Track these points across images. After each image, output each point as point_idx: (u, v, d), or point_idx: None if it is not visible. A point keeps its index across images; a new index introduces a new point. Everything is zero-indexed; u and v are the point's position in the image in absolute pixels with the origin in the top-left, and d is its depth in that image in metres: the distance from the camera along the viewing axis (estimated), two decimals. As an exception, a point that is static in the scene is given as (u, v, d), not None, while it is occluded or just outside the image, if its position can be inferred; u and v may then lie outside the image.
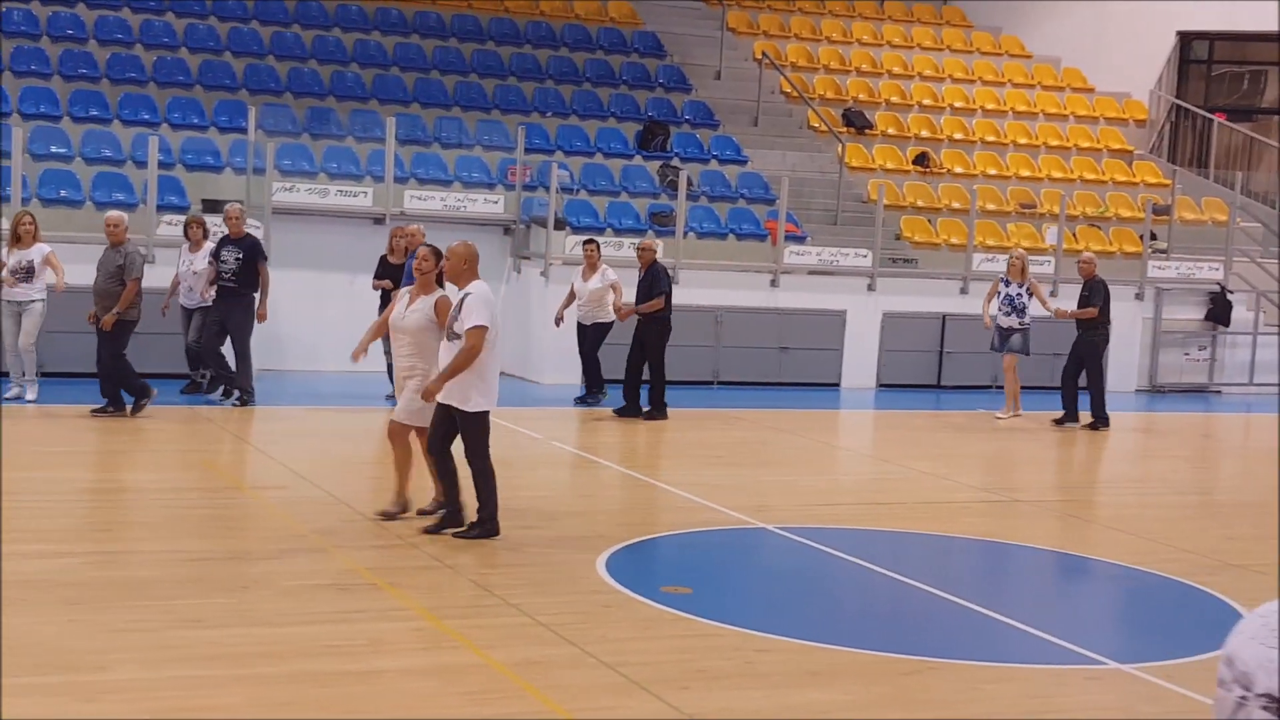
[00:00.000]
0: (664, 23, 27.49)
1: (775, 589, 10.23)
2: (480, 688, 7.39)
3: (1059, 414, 18.78)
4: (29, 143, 19.52)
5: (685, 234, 21.76)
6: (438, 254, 10.81)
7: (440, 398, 10.28)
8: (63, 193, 19.40)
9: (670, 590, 9.56)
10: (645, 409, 17.49)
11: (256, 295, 16.65)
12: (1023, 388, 18.99)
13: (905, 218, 24.36)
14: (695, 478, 13.87)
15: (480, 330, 10.10)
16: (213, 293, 16.61)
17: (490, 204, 21.38)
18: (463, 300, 10.18)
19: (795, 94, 26.50)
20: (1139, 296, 23.63)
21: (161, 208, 19.13)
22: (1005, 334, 18.95)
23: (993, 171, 26.58)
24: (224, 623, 8.24)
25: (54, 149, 20.20)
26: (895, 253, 23.30)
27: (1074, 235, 24.63)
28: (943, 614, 9.49)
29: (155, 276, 17.21)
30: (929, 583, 10.19)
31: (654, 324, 17.71)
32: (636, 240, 21.31)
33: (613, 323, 18.22)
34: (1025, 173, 26.75)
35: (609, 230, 21.84)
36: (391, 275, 17.13)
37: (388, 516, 10.97)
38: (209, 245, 16.93)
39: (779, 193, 22.41)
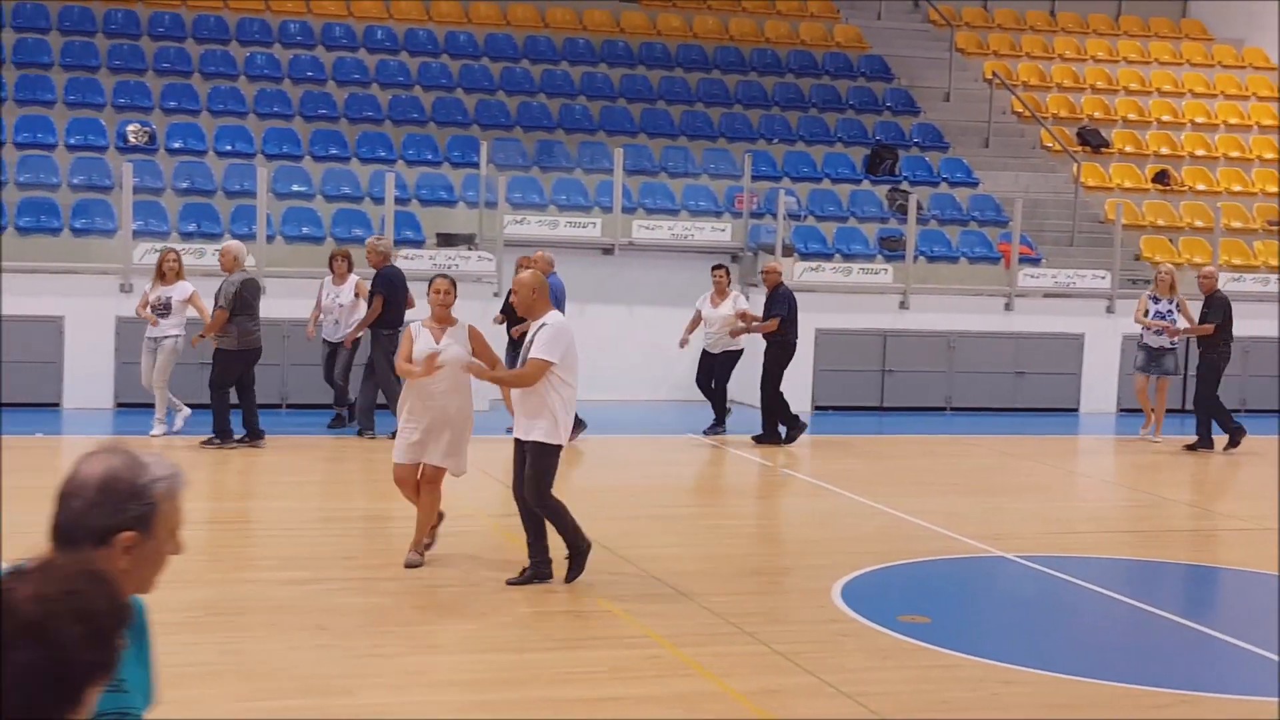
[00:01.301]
0: (891, 46, 27.25)
1: (1017, 619, 9.98)
2: (719, 716, 7.34)
3: (1192, 439, 17.92)
4: (273, 182, 20.15)
5: (915, 258, 21.49)
6: (454, 285, 10.40)
7: (516, 432, 9.79)
8: (304, 229, 19.97)
9: (908, 619, 9.39)
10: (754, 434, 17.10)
11: (391, 330, 16.12)
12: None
13: (1145, 237, 23.71)
14: (930, 505, 13.63)
15: (543, 365, 9.47)
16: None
17: (718, 232, 21.40)
18: (539, 330, 9.62)
19: (1027, 113, 26.04)
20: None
21: (399, 242, 19.56)
22: (1155, 354, 18.23)
23: (1237, 188, 25.74)
24: (463, 649, 8.34)
25: (295, 187, 20.82)
26: (1134, 274, 22.68)
27: (1324, 252, 23.69)
28: (1195, 646, 9.16)
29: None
30: (1178, 613, 9.85)
31: (772, 347, 17.18)
32: (866, 265, 21.15)
33: (742, 350, 17.63)
34: (1272, 189, 25.81)
35: (837, 256, 21.70)
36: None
37: (415, 565, 10.24)
38: (354, 278, 16.85)
39: (1012, 214, 22.02)
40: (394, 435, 15.65)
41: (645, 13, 26.26)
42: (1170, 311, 18.20)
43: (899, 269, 21.10)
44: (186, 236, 19.24)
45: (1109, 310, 21.62)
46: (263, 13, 24.08)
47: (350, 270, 17.00)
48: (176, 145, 21.07)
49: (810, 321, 20.25)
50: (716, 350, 17.52)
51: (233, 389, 15.43)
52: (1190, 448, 17.69)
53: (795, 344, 17.32)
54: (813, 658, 8.35)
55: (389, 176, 19.68)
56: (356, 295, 16.70)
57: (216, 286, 15.40)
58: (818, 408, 20.24)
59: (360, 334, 16.58)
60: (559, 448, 9.62)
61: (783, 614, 9.42)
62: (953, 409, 20.85)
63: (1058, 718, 7.51)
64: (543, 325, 9.59)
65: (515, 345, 16.45)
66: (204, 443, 15.18)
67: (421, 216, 20.66)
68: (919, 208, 21.96)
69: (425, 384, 10.01)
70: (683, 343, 17.55)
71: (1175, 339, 18.24)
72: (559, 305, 16.63)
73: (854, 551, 11.56)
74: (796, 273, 20.70)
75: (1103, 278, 21.81)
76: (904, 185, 23.51)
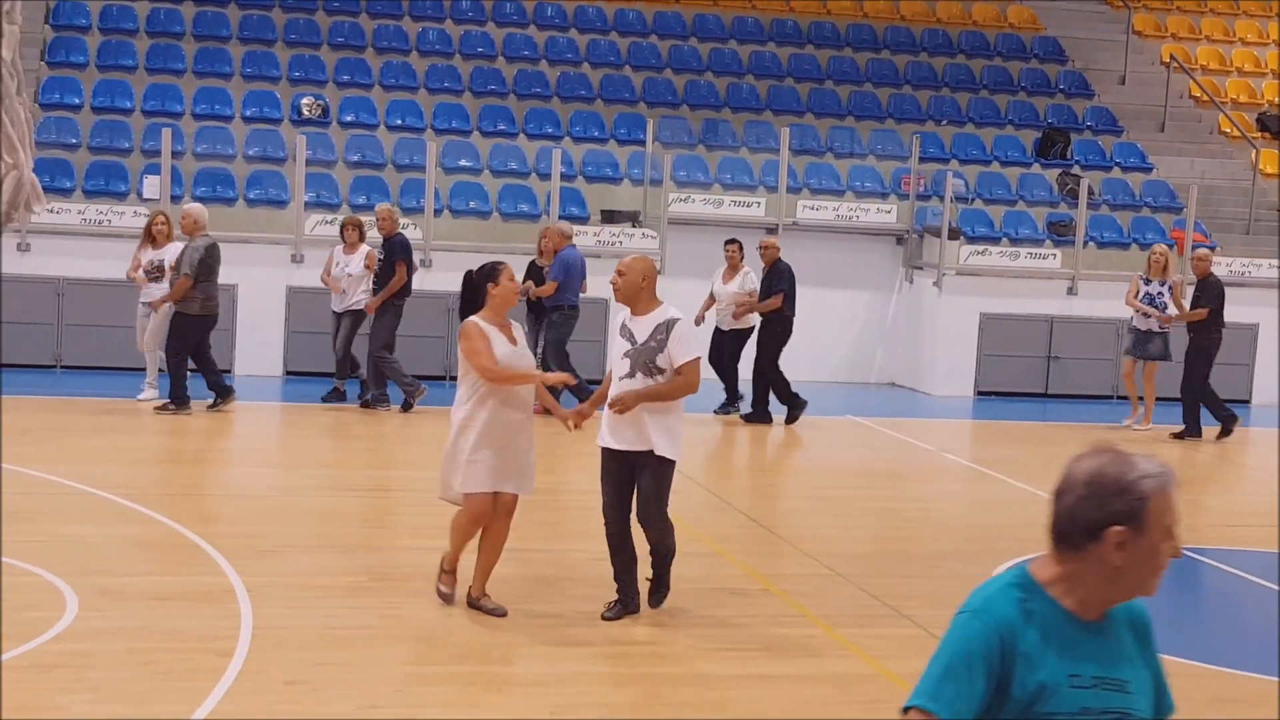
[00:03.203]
0: (1065, 27, 26.77)
1: (1180, 611, 9.80)
2: (874, 698, 7.33)
3: (1179, 427, 17.21)
4: (441, 157, 20.42)
5: (1085, 243, 21.13)
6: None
7: (618, 444, 8.38)
8: (471, 204, 20.21)
9: (1069, 608, 9.25)
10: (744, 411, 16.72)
11: (402, 300, 16.06)
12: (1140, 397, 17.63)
13: (1324, 226, 23.06)
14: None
15: (696, 365, 8.29)
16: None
17: (883, 214, 21.24)
18: (670, 327, 8.28)
19: (1205, 98, 25.44)
20: None
21: (563, 218, 19.70)
22: (1142, 337, 17.45)
23: None
24: (621, 622, 8.40)
25: (463, 162, 21.07)
26: (1312, 263, 22.07)
27: None
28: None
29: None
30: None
31: (770, 324, 16.72)
32: (1034, 250, 20.85)
33: (753, 329, 16.99)
34: None
35: (1004, 240, 21.43)
36: (536, 278, 16.54)
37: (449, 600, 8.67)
38: (365, 248, 16.39)
39: (1186, 201, 21.55)
40: (404, 407, 15.77)
41: (815, -8, 26.11)
42: (1161, 294, 17.49)
43: (1068, 254, 20.76)
44: (356, 208, 19.56)
45: (1285, 300, 21.09)
46: (435, -11, 24.39)
47: (362, 240, 16.50)
48: (349, 119, 21.44)
49: (975, 306, 20.09)
50: (727, 327, 16.98)
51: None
52: (1177, 436, 17.09)
53: (793, 321, 16.77)
54: (971, 643, 8.26)
55: (555, 152, 19.83)
56: (366, 266, 16.22)
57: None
58: (980, 393, 20.03)
59: (380, 302, 15.97)
60: (675, 462, 8.40)
61: (941, 598, 9.34)
62: (1119, 397, 20.45)
63: (1222, 712, 7.37)
64: (673, 320, 8.33)
65: (535, 311, 16.45)
66: (158, 409, 15.04)
67: (586, 193, 20.80)
68: (1090, 192, 21.58)
69: (512, 397, 8.35)
70: (698, 320, 16.45)
71: (1167, 325, 17.41)
72: (578, 281, 16.63)
73: (1015, 539, 11.41)
74: (963, 256, 20.50)
75: (1278, 267, 21.26)
76: (1075, 169, 23.12)
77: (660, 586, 8.61)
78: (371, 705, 6.82)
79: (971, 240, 21.03)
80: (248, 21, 22.79)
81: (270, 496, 12.05)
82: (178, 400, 15.04)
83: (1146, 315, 17.38)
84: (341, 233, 16.72)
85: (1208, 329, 17.23)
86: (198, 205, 15.84)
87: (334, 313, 16.51)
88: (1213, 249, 21.64)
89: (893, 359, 21.32)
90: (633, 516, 8.39)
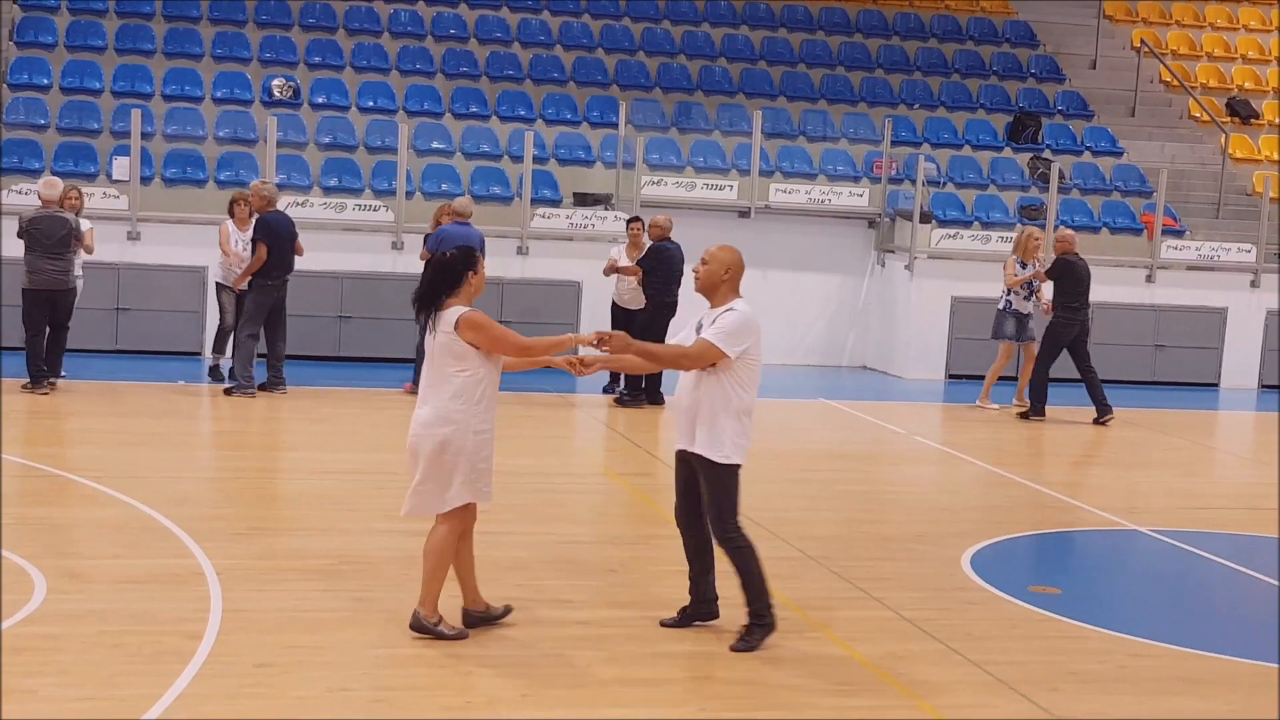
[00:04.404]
0: (1037, 12, 26.84)
1: (1148, 592, 9.87)
2: (844, 679, 7.35)
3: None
4: (413, 139, 20.37)
5: (1056, 227, 21.18)
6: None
7: (678, 441, 7.88)
8: (443, 186, 20.16)
9: (1038, 590, 9.32)
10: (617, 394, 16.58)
11: (274, 280, 15.62)
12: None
13: (1293, 211, 23.20)
14: (1064, 477, 13.51)
15: (712, 351, 7.54)
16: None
17: (855, 197, 21.26)
18: (723, 313, 7.70)
19: (1176, 83, 25.54)
20: None
21: (535, 201, 19.69)
22: (1025, 320, 17.28)
23: (1391, 162, 25.06)
24: (593, 604, 8.41)
25: (435, 144, 21.02)
26: (1282, 248, 22.22)
27: None
28: (1332, 626, 8.97)
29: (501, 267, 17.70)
30: (1316, 593, 9.67)
31: (650, 305, 16.43)
32: (1005, 234, 20.90)
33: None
34: None
35: (976, 224, 21.48)
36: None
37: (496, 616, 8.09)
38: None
39: (1156, 185, 21.64)
40: (266, 386, 15.38)
41: (787, -25, 26.10)
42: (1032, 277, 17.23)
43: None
44: (328, 191, 19.53)
45: (1254, 284, 21.20)
46: (407, -30, 24.30)
47: (252, 215, 16.06)
48: (320, 100, 21.37)
49: (946, 289, 20.15)
50: (633, 307, 16.61)
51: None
52: (1023, 415, 16.99)
53: (674, 305, 16.32)
54: (940, 625, 8.32)
55: (528, 135, 19.79)
56: (255, 241, 15.72)
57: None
58: (951, 376, 20.10)
59: (245, 282, 15.70)
60: (734, 468, 7.66)
61: (911, 580, 9.39)
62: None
63: (1186, 692, 7.42)
64: (729, 310, 7.67)
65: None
66: (23, 387, 14.90)
67: (559, 175, 20.77)
68: (1061, 176, 21.64)
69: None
70: (607, 271, 16.54)
71: (1049, 311, 17.09)
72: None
73: (985, 521, 11.48)
74: (934, 240, 20.54)
75: (1248, 251, 21.37)
76: (1046, 153, 23.19)
77: (749, 633, 7.73)
78: (341, 688, 6.82)
79: (943, 224, 21.08)
80: (218, 3, 22.67)
81: (240, 479, 12.02)
82: (34, 378, 14.84)
83: (1027, 299, 17.27)
84: (231, 209, 16.48)
85: (1060, 311, 16.88)
86: (54, 179, 15.40)
87: (218, 285, 16.39)
88: (1182, 233, 21.80)
89: (864, 342, 21.37)
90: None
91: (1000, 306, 17.37)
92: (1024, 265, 17.31)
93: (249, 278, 15.58)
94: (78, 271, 15.33)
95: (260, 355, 15.86)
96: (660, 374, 16.20)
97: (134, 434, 13.30)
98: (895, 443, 15.33)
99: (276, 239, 15.51)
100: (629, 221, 17.23)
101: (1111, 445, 15.88)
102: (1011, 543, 10.74)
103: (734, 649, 7.64)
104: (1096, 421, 16.82)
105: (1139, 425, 17.18)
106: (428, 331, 7.63)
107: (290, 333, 16.15)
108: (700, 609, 8.04)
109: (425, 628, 7.63)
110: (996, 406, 17.46)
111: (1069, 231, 17.60)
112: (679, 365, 7.75)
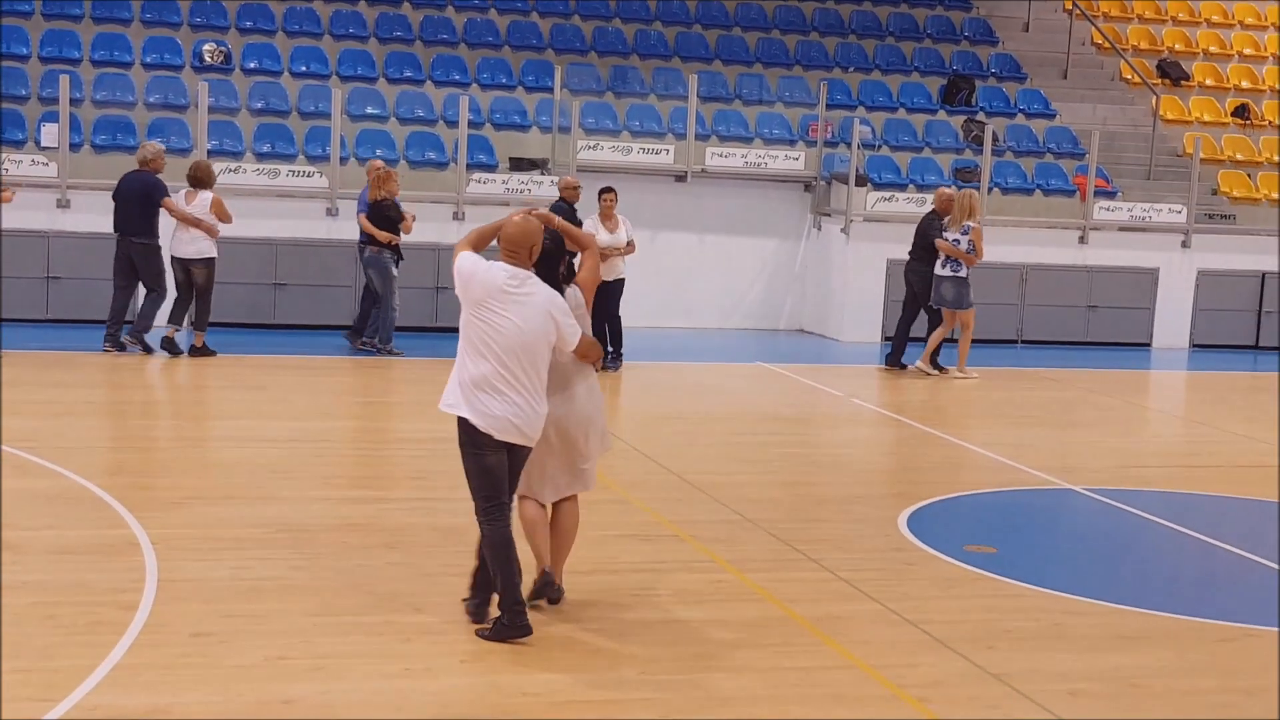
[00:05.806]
0: (970, -26, 26.91)
1: (1082, 551, 9.97)
2: (783, 640, 7.39)
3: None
4: (347, 104, 20.20)
5: (990, 189, 21.32)
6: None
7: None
8: (378, 152, 20.01)
9: (974, 549, 9.40)
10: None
11: (159, 240, 16.11)
12: (951, 341, 17.66)
13: (1223, 172, 23.41)
14: (999, 437, 13.61)
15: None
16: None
17: (791, 160, 21.28)
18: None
19: (1107, 45, 25.68)
20: None
21: (471, 166, 19.59)
22: (964, 285, 17.25)
23: (1319, 123, 25.31)
24: (531, 570, 8.40)
25: (369, 110, 20.86)
26: (1212, 208, 22.41)
27: None
28: (1260, 580, 9.10)
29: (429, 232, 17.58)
30: (1244, 548, 9.80)
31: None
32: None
33: (624, 279, 16.73)
34: (1355, 124, 25.39)
35: (911, 186, 21.56)
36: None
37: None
38: (205, 195, 16.06)
39: (1089, 147, 21.79)
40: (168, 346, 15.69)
41: (722, -62, 26.01)
42: (959, 240, 17.14)
43: (973, 200, 20.90)
44: (261, 157, 19.35)
45: (1184, 245, 21.43)
46: (339, -66, 24.05)
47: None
48: (252, 65, 21.15)
49: (882, 252, 20.23)
50: (611, 278, 16.24)
51: None
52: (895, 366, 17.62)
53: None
54: (878, 585, 8.38)
55: (463, 100, 19.67)
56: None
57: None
58: (887, 338, 20.17)
59: None
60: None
61: (849, 542, 9.45)
62: (1024, 342, 20.76)
63: (1122, 649, 7.50)
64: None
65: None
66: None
67: (495, 140, 20.66)
68: (995, 139, 21.75)
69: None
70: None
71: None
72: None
73: (922, 481, 11.56)
74: (870, 203, 20.60)
75: (1179, 212, 21.58)
76: (980, 116, 23.28)
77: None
78: (280, 656, 6.78)
79: (878, 187, 21.14)
80: (147, -34, 22.37)
81: (175, 448, 11.93)
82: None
83: (961, 263, 17.21)
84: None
85: (914, 267, 17.59)
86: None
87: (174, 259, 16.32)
88: (1114, 195, 21.96)
89: (801, 305, 21.43)
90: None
91: (945, 273, 17.31)
92: (965, 230, 17.21)
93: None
94: None
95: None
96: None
97: (66, 404, 13.17)
98: (833, 405, 15.40)
99: (116, 195, 16.11)
100: (601, 192, 16.82)
101: (1045, 405, 16.02)
102: (948, 503, 10.82)
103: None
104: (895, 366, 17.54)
105: (1073, 385, 17.34)
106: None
107: (225, 300, 16.05)
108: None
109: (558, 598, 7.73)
110: (976, 374, 17.46)
111: (950, 191, 17.77)
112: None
